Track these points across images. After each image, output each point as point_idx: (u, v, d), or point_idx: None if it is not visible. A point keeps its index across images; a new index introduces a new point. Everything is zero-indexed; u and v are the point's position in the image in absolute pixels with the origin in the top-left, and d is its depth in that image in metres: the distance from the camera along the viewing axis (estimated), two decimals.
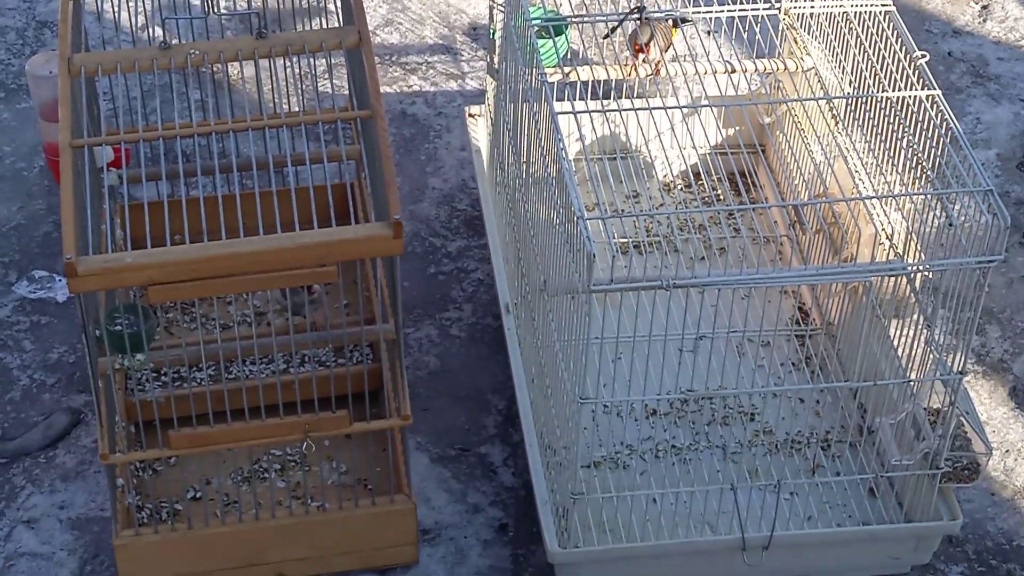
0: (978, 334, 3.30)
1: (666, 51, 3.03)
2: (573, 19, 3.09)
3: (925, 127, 2.75)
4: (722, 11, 3.16)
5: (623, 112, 2.81)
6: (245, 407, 2.70)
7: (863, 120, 3.00)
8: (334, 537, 2.83)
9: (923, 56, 2.81)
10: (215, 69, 3.78)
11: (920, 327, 2.75)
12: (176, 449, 2.68)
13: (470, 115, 3.56)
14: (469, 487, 3.05)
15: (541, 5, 3.09)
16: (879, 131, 2.93)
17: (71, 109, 2.74)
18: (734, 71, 3.24)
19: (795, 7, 3.27)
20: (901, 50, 2.88)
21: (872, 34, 2.98)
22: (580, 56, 3.78)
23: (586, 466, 2.94)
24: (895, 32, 2.90)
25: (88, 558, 2.92)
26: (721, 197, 2.95)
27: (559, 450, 2.79)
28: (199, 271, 2.47)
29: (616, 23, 3.12)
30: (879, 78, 2.94)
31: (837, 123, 3.11)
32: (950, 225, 2.57)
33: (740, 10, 3.16)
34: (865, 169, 3.01)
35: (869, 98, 2.95)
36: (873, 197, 2.83)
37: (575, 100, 2.94)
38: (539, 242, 2.87)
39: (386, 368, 2.98)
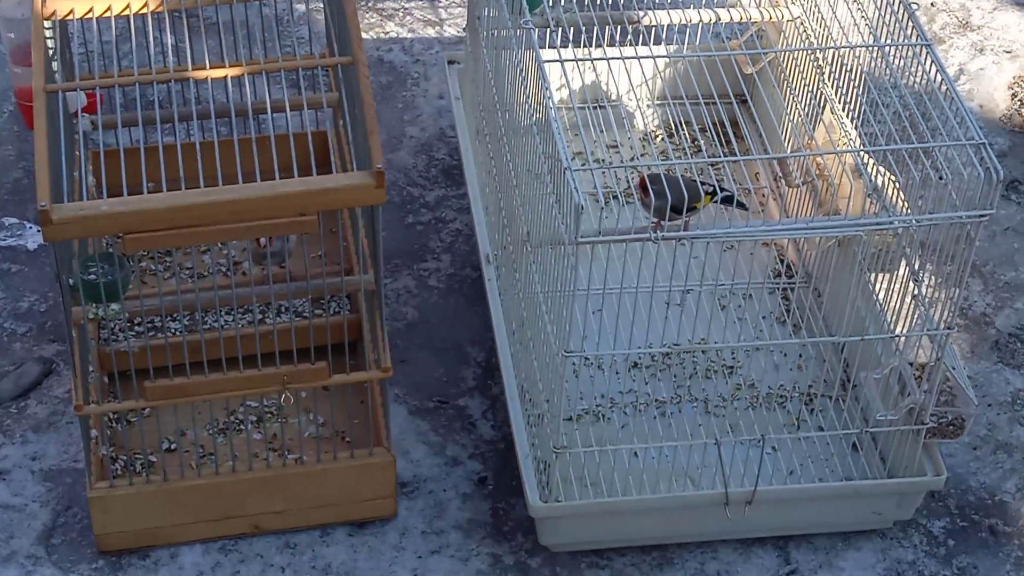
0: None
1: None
2: None
3: (915, 78, 2.71)
4: None
5: (609, 60, 2.76)
6: (222, 358, 2.66)
7: (851, 70, 2.96)
8: (311, 490, 2.80)
9: (912, 5, 2.77)
10: (191, 13, 3.72)
11: (906, 281, 2.72)
12: (151, 400, 2.64)
13: (449, 62, 3.51)
14: (448, 440, 3.02)
15: None
16: (867, 82, 2.89)
17: (44, 53, 2.68)
18: (718, 19, 3.20)
19: None
20: None
21: None
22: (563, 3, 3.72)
23: (567, 419, 2.91)
24: None
25: (61, 510, 2.88)
26: (703, 147, 2.92)
27: (541, 403, 2.76)
28: (177, 220, 2.42)
29: None
30: (869, 26, 2.90)
31: (823, 73, 3.07)
32: (940, 179, 2.54)
33: None
34: (852, 121, 2.97)
35: (856, 48, 2.91)
36: (860, 150, 2.79)
37: (557, 47, 2.89)
38: (522, 192, 2.82)
39: (365, 319, 2.95)
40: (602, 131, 3.40)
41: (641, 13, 3.21)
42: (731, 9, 3.22)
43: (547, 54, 2.73)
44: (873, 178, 2.83)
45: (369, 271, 2.73)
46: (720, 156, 3.25)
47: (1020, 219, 3.50)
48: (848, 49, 2.93)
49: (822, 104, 3.08)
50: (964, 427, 2.77)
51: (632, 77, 3.05)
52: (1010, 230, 3.48)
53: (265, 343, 2.81)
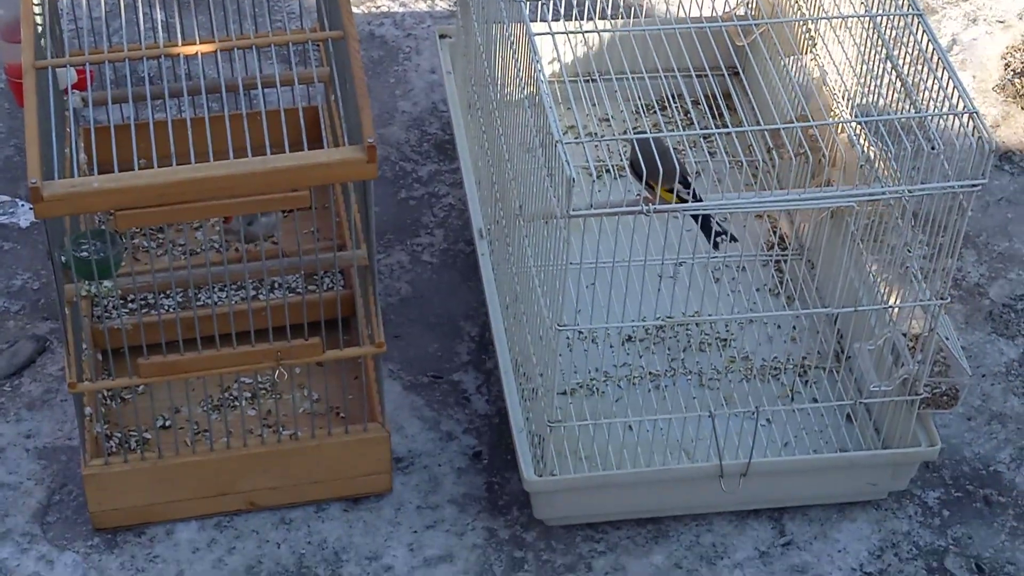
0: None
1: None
2: None
3: (907, 48, 2.70)
4: None
5: (600, 33, 2.76)
6: (216, 334, 2.66)
7: (843, 41, 2.95)
8: (306, 466, 2.80)
9: None
10: None
11: (899, 252, 2.72)
12: (145, 377, 2.64)
13: (441, 36, 3.50)
14: (442, 415, 3.02)
15: None
16: (860, 52, 2.88)
17: (34, 29, 2.67)
18: None
19: None
20: None
21: None
22: None
23: (561, 393, 2.91)
24: None
25: (56, 487, 2.88)
26: (695, 120, 2.91)
27: (534, 377, 2.76)
28: (168, 196, 2.41)
29: None
30: None
31: (815, 45, 3.07)
32: (932, 149, 2.53)
33: None
34: (845, 91, 2.96)
35: (848, 19, 2.90)
36: (853, 120, 2.79)
37: (548, 20, 2.88)
38: (514, 166, 2.82)
39: (358, 295, 2.94)
40: (594, 104, 3.39)
41: None
42: None
43: (538, 27, 2.72)
44: (866, 149, 2.82)
45: (362, 246, 2.73)
46: (715, 127, 3.24)
47: (1014, 189, 3.50)
48: (840, 20, 2.92)
49: (814, 75, 3.07)
50: (958, 397, 2.77)
51: (624, 50, 3.04)
52: (1004, 200, 3.48)
53: (258, 319, 2.81)
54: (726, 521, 2.86)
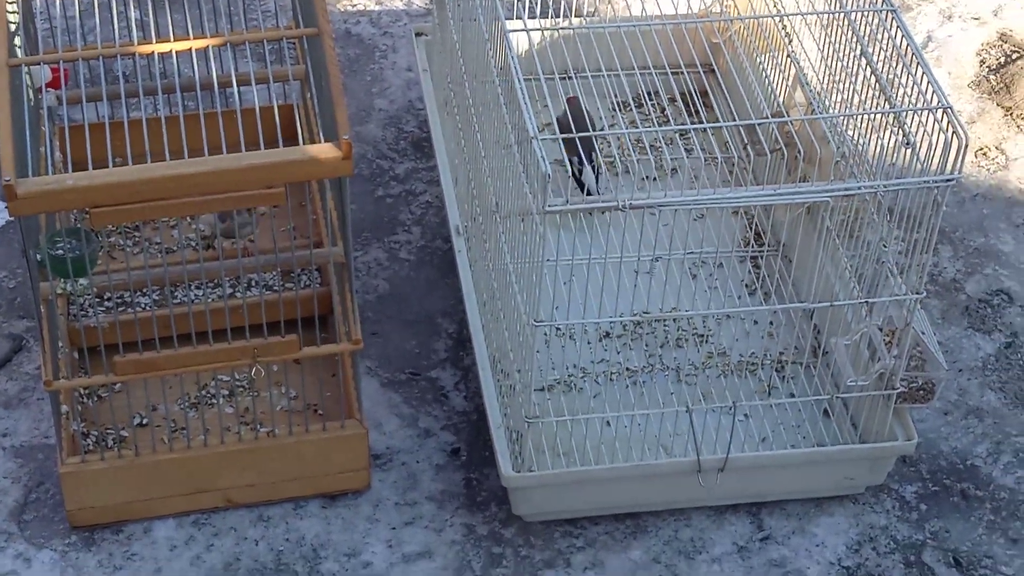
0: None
1: None
2: None
3: (882, 45, 2.71)
4: None
5: (575, 30, 2.76)
6: (192, 332, 2.65)
7: (818, 37, 2.96)
8: (284, 463, 2.79)
9: None
10: None
11: (875, 247, 2.72)
12: (122, 375, 2.63)
13: (417, 34, 3.50)
14: (420, 411, 3.02)
15: None
16: (834, 49, 2.89)
17: (7, 27, 2.66)
18: None
19: None
20: None
21: None
22: None
23: (539, 389, 2.91)
24: None
25: (33, 486, 2.87)
26: (671, 117, 2.91)
27: (512, 374, 2.76)
28: (143, 193, 2.41)
29: None
30: None
31: (791, 41, 3.07)
32: (907, 144, 2.54)
33: None
34: (820, 87, 2.97)
35: (822, 15, 2.90)
36: (828, 116, 2.79)
37: (524, 18, 2.88)
38: (491, 163, 2.82)
39: (335, 292, 2.94)
40: None
41: None
42: None
43: (514, 24, 2.72)
44: (840, 144, 2.83)
45: (339, 243, 2.72)
46: (690, 124, 3.25)
47: (989, 185, 3.51)
48: (815, 16, 2.93)
49: (789, 71, 3.07)
50: (934, 392, 2.78)
51: (599, 47, 3.05)
52: (979, 196, 3.49)
53: (235, 317, 2.80)
54: (704, 516, 2.86)
